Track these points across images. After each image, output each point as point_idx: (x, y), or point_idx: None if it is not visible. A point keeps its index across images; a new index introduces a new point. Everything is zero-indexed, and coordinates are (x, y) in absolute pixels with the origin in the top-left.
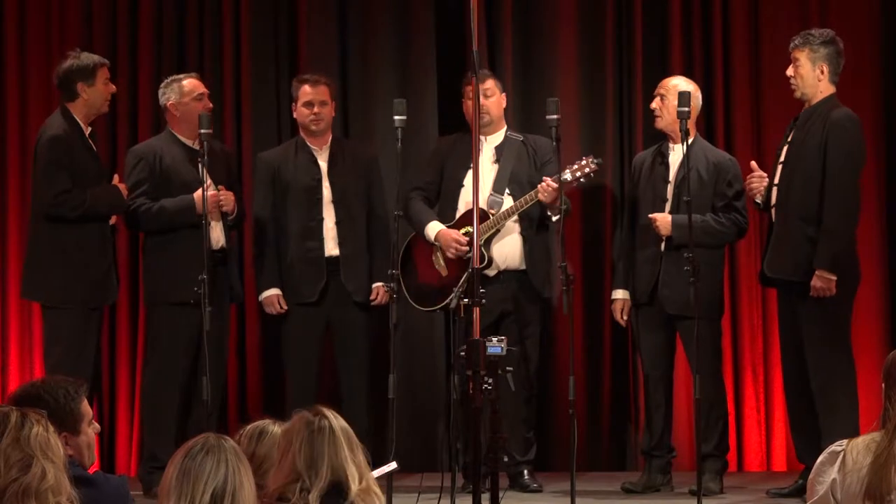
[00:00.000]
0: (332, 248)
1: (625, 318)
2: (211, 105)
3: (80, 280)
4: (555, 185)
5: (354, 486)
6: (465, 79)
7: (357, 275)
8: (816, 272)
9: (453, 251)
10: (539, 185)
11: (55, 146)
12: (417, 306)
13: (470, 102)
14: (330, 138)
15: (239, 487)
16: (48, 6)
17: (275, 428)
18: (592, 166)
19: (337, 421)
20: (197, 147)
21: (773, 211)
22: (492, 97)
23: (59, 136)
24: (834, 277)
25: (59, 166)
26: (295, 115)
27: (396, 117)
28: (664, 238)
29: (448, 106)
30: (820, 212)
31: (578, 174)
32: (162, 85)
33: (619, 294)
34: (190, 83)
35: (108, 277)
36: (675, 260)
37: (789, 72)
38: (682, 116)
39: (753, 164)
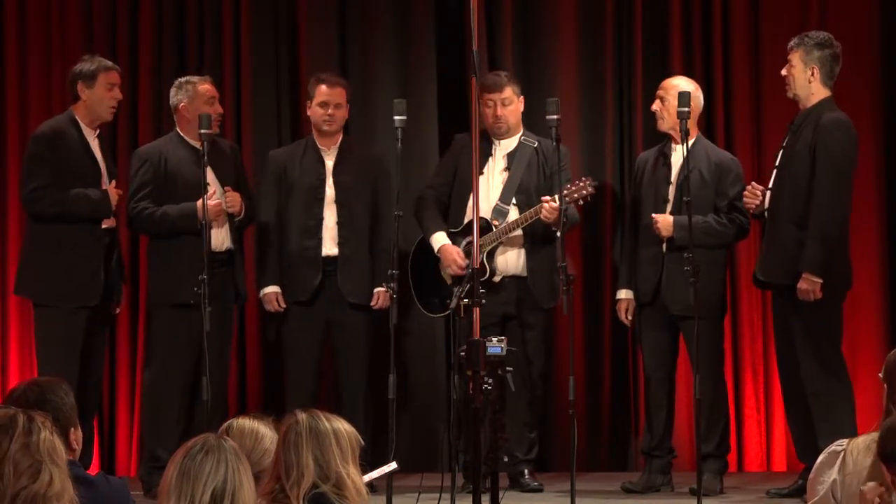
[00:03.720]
0: (330, 247)
1: (629, 318)
2: (221, 109)
3: (66, 279)
4: (555, 205)
5: (343, 489)
6: (484, 85)
7: (354, 276)
8: (802, 275)
9: (452, 271)
10: (542, 207)
11: (37, 142)
12: (425, 312)
13: (488, 110)
14: (340, 139)
15: (239, 487)
16: (48, 6)
17: (244, 421)
18: (590, 189)
19: (328, 423)
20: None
21: (766, 215)
22: (510, 105)
23: (45, 133)
24: (819, 280)
25: (39, 162)
26: (308, 113)
27: (396, 117)
28: (666, 238)
29: (448, 106)
30: (807, 215)
31: (576, 195)
32: (174, 85)
33: (623, 294)
34: (203, 87)
35: (96, 278)
36: (677, 260)
37: (783, 71)
38: (682, 117)
39: (754, 183)
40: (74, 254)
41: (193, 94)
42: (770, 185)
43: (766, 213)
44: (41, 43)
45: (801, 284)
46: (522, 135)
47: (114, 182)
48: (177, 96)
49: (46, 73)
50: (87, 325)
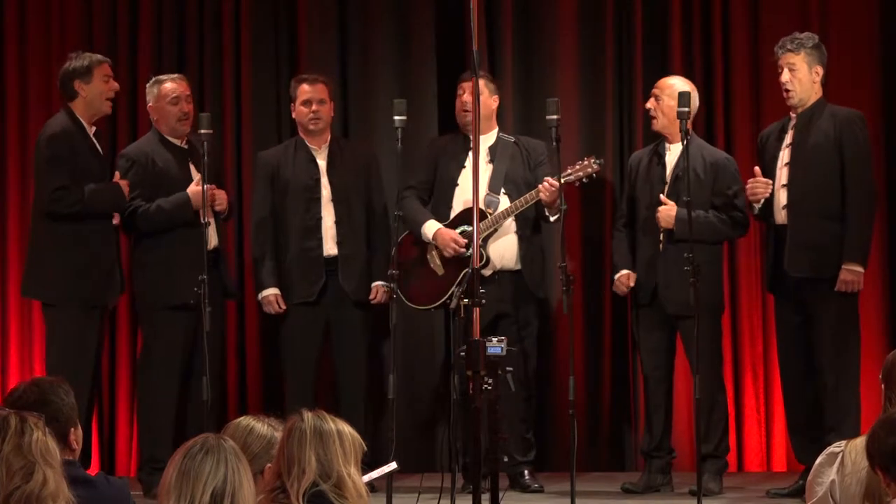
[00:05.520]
0: (330, 247)
1: (631, 284)
2: (187, 109)
3: (82, 278)
4: (556, 184)
5: (343, 489)
6: (461, 77)
7: (355, 274)
8: (845, 266)
9: (451, 251)
10: (540, 185)
11: (54, 143)
12: (412, 305)
13: (458, 101)
14: (329, 137)
15: (238, 487)
16: (48, 6)
17: (247, 422)
18: (594, 167)
19: (333, 424)
20: (184, 146)
21: (784, 212)
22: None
23: (59, 133)
24: (863, 270)
25: (58, 163)
26: (294, 115)
27: (396, 117)
28: (663, 233)
29: (448, 106)
30: (841, 207)
31: (581, 174)
32: (147, 84)
33: (623, 270)
34: (167, 86)
35: (112, 277)
36: (675, 259)
37: (785, 78)
38: (683, 117)
39: (757, 169)
40: (89, 252)
41: (157, 94)
42: (783, 183)
43: (783, 210)
44: (41, 43)
45: (846, 276)
46: (499, 132)
47: (118, 174)
48: (147, 96)
49: (46, 73)
50: (99, 323)
